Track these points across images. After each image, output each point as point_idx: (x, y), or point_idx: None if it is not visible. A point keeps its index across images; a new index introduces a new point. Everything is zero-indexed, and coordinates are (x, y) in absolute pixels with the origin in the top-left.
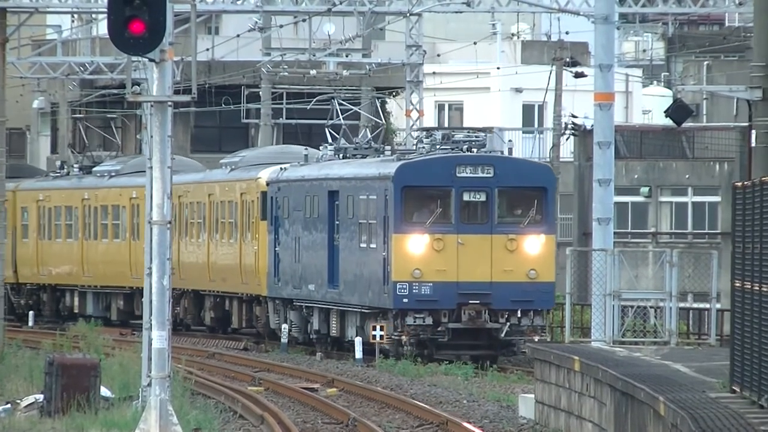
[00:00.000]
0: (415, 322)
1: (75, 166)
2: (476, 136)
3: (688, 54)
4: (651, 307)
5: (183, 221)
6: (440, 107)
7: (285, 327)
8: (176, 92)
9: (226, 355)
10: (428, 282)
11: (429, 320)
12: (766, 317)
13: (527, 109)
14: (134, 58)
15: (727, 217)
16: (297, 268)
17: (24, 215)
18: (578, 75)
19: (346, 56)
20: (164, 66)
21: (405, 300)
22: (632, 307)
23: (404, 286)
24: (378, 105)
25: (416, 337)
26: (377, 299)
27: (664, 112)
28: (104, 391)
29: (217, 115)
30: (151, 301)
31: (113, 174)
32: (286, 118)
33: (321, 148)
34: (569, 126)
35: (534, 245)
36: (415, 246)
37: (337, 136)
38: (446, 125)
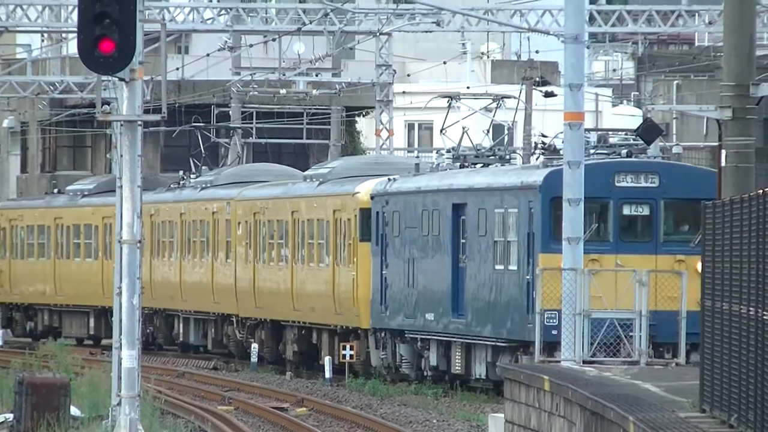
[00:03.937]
0: None
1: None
2: (635, 139)
3: (658, 73)
4: (621, 326)
5: (259, 241)
6: (410, 126)
7: (255, 346)
8: (146, 111)
9: (196, 374)
10: None
11: None
12: (735, 337)
13: (497, 129)
14: (104, 78)
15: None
16: (410, 294)
17: None
18: (548, 94)
19: (316, 75)
20: (134, 85)
21: (554, 332)
22: (603, 326)
23: (553, 316)
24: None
25: None
26: (518, 331)
27: (634, 131)
28: (74, 411)
29: (187, 135)
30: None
31: (206, 185)
32: (257, 137)
33: (436, 155)
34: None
35: None
36: None
37: (453, 141)
38: (416, 145)
